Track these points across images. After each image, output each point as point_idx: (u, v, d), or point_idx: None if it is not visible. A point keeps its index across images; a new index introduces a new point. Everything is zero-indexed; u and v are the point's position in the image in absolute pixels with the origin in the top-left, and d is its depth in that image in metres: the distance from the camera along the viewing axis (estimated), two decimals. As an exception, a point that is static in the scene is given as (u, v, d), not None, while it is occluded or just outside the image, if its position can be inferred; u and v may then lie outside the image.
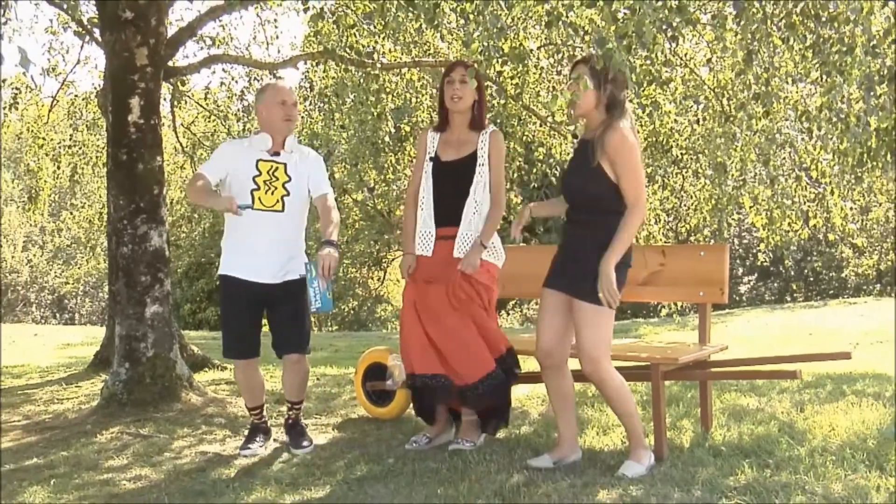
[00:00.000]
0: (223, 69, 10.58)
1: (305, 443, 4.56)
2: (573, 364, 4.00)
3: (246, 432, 4.77)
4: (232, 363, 4.79)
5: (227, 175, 4.45)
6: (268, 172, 4.44)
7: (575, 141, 4.16)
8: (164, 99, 9.78)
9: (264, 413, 4.75)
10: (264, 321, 4.60)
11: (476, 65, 4.86)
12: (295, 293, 4.47)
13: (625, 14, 3.94)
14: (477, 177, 4.36)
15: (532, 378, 5.09)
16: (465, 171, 4.37)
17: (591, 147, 3.79)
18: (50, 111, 11.50)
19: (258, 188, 4.41)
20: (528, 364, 6.45)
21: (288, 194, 4.45)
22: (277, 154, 4.50)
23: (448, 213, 4.38)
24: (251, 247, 4.42)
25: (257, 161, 4.46)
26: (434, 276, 4.37)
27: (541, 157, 10.38)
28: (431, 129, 4.59)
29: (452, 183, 4.38)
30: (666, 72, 6.64)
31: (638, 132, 4.01)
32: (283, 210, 4.44)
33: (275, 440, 4.73)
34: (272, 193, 4.42)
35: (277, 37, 11.51)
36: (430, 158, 4.47)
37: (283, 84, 4.79)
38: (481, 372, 4.27)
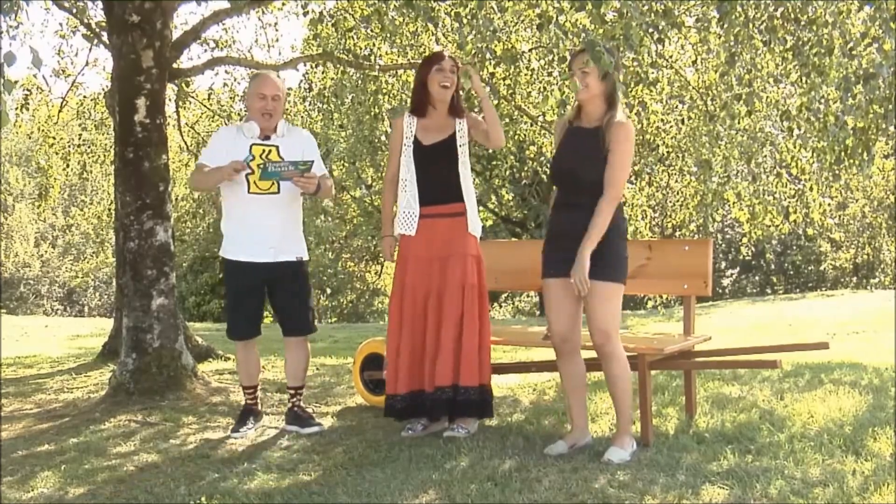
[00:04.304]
0: (226, 71, 10.73)
1: (314, 423, 4.70)
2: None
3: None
4: (232, 345, 4.93)
5: (228, 158, 4.48)
6: (261, 156, 4.50)
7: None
8: (170, 99, 9.86)
9: (258, 394, 4.91)
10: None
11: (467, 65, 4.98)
12: (294, 274, 4.62)
13: (613, 17, 4.04)
14: (461, 157, 4.51)
15: (522, 367, 5.24)
16: (449, 151, 4.50)
17: (601, 136, 3.89)
18: (60, 111, 11.62)
19: (252, 172, 4.48)
20: (519, 355, 6.60)
21: None
22: (268, 138, 4.57)
23: (435, 193, 4.49)
24: (249, 228, 4.53)
25: (251, 146, 4.52)
26: (435, 253, 4.46)
27: (532, 156, 10.47)
28: (407, 115, 4.64)
29: (439, 164, 4.50)
30: (653, 73, 6.68)
31: None
32: (278, 192, 4.54)
33: (273, 427, 4.80)
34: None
35: (278, 39, 11.63)
36: (412, 143, 4.55)
37: (266, 75, 4.77)
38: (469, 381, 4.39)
